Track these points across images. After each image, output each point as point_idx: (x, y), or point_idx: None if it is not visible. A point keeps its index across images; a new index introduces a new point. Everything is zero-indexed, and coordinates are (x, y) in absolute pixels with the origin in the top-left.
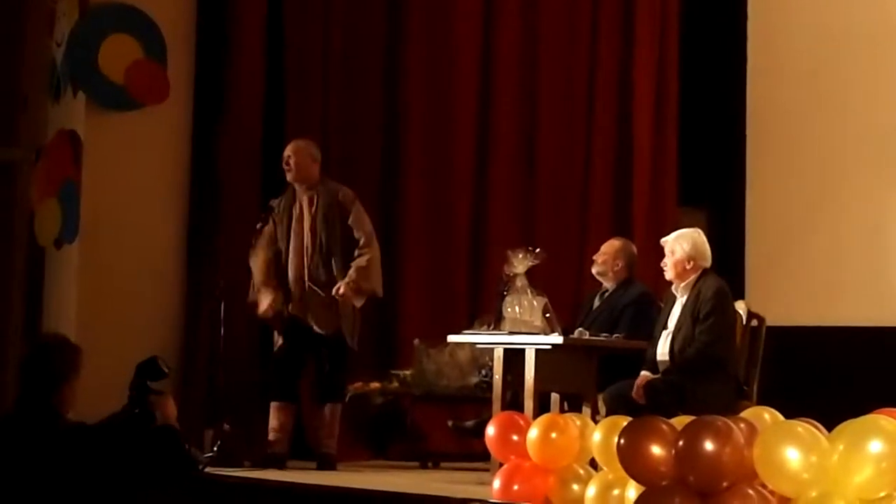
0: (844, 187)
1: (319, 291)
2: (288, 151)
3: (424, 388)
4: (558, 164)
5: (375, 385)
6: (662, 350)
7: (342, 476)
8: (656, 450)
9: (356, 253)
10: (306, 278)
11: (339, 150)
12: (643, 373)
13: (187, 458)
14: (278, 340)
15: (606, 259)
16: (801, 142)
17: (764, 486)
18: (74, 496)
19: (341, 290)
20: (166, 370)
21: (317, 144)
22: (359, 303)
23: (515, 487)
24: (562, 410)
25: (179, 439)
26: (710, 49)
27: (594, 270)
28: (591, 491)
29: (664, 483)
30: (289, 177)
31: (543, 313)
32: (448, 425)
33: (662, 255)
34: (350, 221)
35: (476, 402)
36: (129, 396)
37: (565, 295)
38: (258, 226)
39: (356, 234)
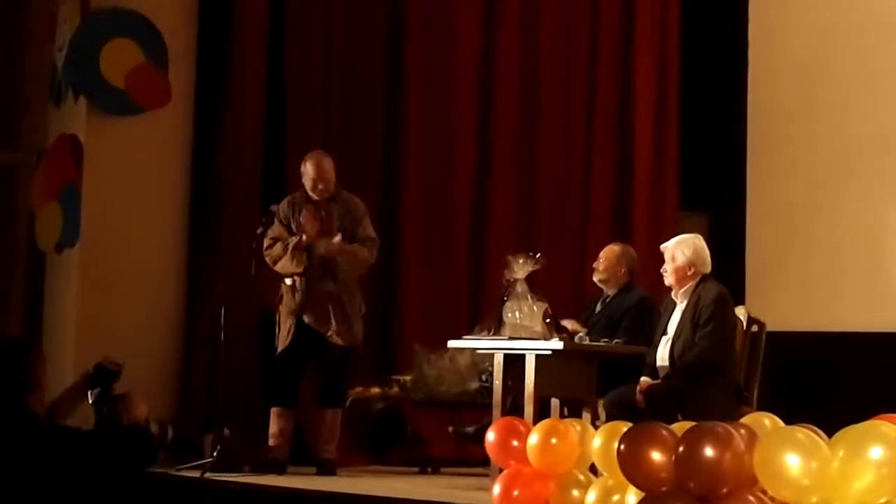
0: (845, 193)
1: (333, 300)
2: (313, 174)
3: (424, 393)
4: (559, 170)
5: (375, 390)
6: (662, 355)
7: (342, 482)
8: (656, 455)
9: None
10: (323, 286)
11: (340, 155)
12: (643, 378)
13: (153, 452)
14: (280, 339)
15: (609, 266)
16: (801, 147)
17: (764, 493)
18: (44, 498)
19: (333, 243)
20: (116, 368)
21: (329, 156)
22: (323, 247)
23: (515, 493)
24: (562, 416)
25: (146, 435)
26: (710, 54)
27: (596, 278)
28: (592, 497)
29: (664, 489)
30: (315, 195)
31: (544, 319)
32: (448, 431)
33: (662, 261)
34: (360, 231)
35: (476, 408)
36: (95, 410)
37: (565, 300)
38: (259, 230)
39: (363, 237)
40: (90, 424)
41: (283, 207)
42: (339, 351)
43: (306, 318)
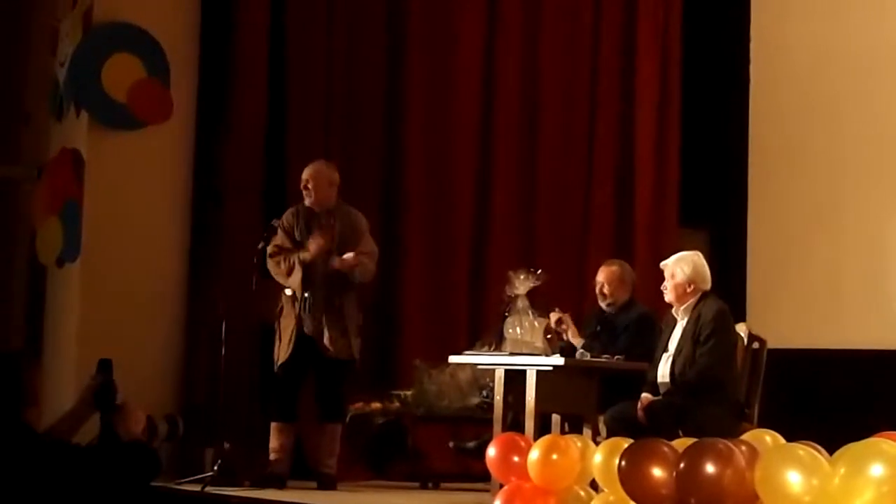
0: (846, 209)
1: (333, 313)
2: (306, 175)
3: (425, 408)
4: (559, 186)
5: (376, 405)
6: (663, 372)
7: (342, 496)
8: (657, 472)
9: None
10: (323, 299)
11: (340, 169)
12: (644, 394)
13: (155, 467)
14: (279, 355)
15: (614, 290)
16: (802, 164)
17: None
18: None
19: (347, 258)
20: (110, 369)
21: (335, 166)
22: (342, 265)
23: None
24: (563, 432)
25: (147, 451)
26: (711, 71)
27: (604, 304)
28: None
29: None
30: (307, 201)
31: (545, 334)
32: (449, 446)
33: (663, 277)
34: (361, 243)
35: (477, 423)
36: (101, 421)
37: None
38: (260, 245)
39: (366, 251)
40: (93, 432)
41: (286, 217)
42: (336, 364)
43: (306, 329)
